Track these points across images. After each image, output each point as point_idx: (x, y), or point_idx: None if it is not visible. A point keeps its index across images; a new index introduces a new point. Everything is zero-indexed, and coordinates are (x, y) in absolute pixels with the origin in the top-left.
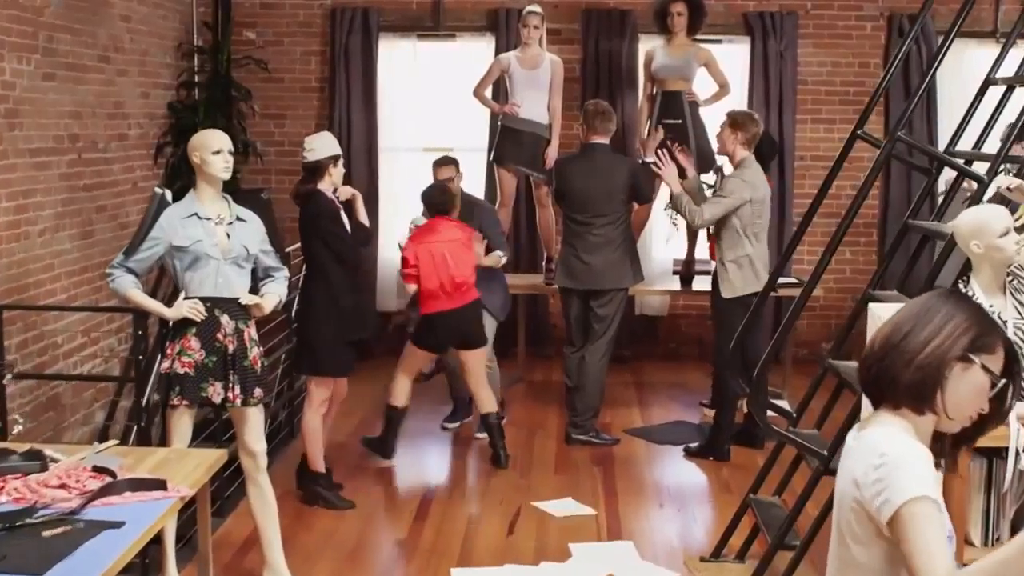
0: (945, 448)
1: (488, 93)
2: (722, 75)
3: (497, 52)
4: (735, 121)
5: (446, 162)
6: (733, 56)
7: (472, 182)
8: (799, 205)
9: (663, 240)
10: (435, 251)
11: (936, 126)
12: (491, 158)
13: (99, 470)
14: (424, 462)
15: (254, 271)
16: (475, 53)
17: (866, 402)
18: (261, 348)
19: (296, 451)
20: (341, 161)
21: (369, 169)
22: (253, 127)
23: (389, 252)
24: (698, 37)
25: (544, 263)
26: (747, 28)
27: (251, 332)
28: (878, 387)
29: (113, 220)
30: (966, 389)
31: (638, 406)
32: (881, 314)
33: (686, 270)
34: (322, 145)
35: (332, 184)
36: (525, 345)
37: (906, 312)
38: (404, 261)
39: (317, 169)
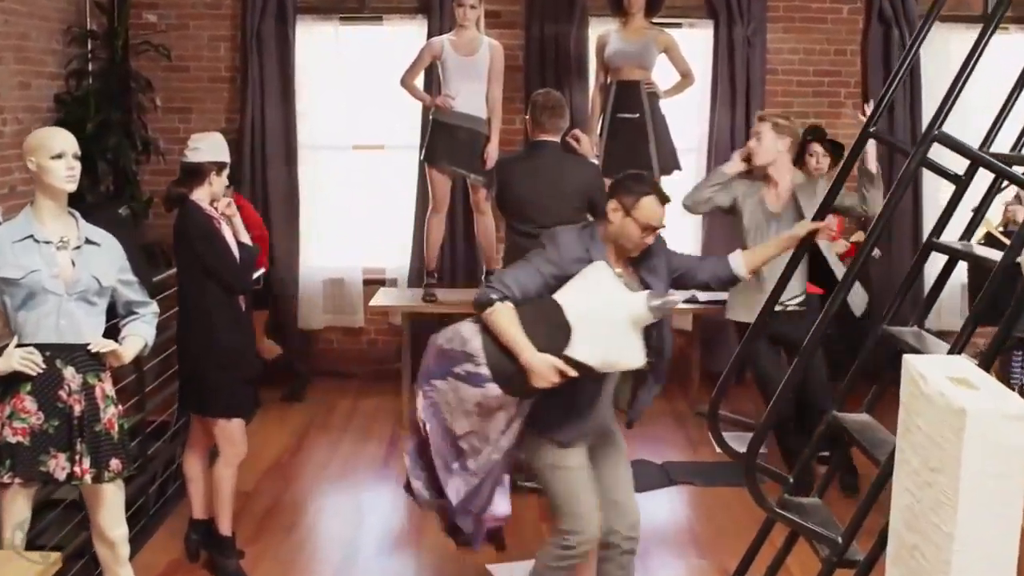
0: None
1: (419, 83)
2: (685, 63)
3: (430, 36)
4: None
5: None
6: (694, 42)
7: (403, 184)
8: None
9: None
10: None
11: (920, 118)
12: (422, 157)
13: None
14: (348, 516)
15: (112, 308)
16: (405, 38)
17: None
18: (119, 407)
19: (170, 531)
20: (226, 171)
21: (287, 169)
22: (155, 122)
23: (314, 262)
24: (656, 20)
25: (483, 277)
26: (710, 10)
27: (105, 387)
28: None
29: None
30: None
31: None
32: (923, 370)
33: None
34: (208, 146)
35: (211, 195)
36: None
37: None
38: None
39: (196, 173)
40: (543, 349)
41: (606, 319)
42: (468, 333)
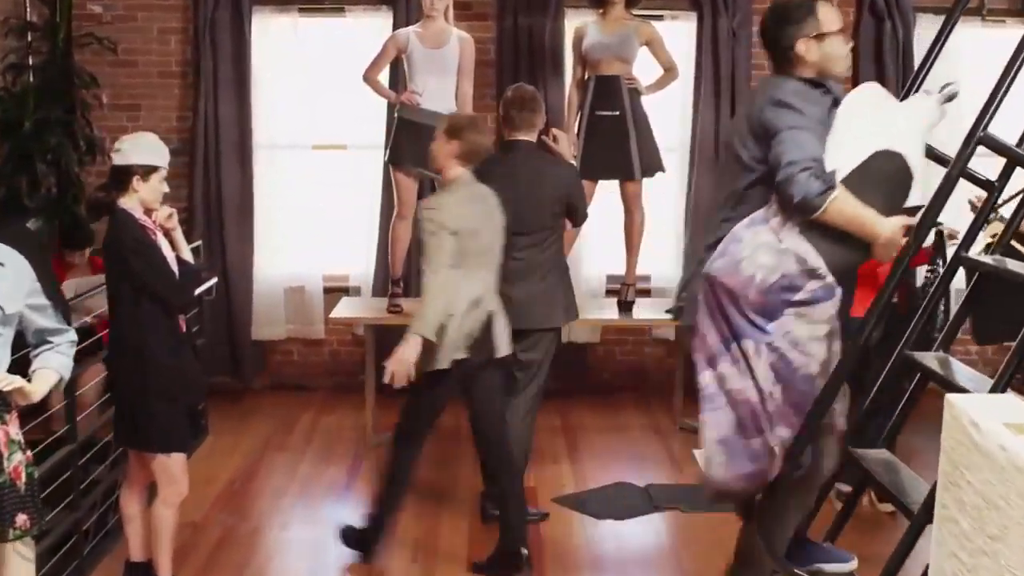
0: None
1: (383, 78)
2: (668, 56)
3: (395, 28)
4: (452, 128)
5: None
6: (677, 35)
7: (366, 186)
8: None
9: (596, 251)
10: None
11: None
12: (386, 158)
13: None
14: (307, 549)
15: (20, 338)
16: (369, 30)
17: None
18: (28, 452)
19: (107, 574)
20: (161, 177)
21: (242, 170)
22: (101, 120)
23: (271, 269)
24: (637, 11)
25: None
26: (694, 1)
27: (10, 430)
28: None
29: None
30: None
31: (568, 461)
32: (975, 416)
33: (626, 292)
34: (135, 148)
35: (143, 202)
36: None
37: None
38: None
39: (119, 178)
40: (887, 212)
41: (913, 142)
42: (799, 250)
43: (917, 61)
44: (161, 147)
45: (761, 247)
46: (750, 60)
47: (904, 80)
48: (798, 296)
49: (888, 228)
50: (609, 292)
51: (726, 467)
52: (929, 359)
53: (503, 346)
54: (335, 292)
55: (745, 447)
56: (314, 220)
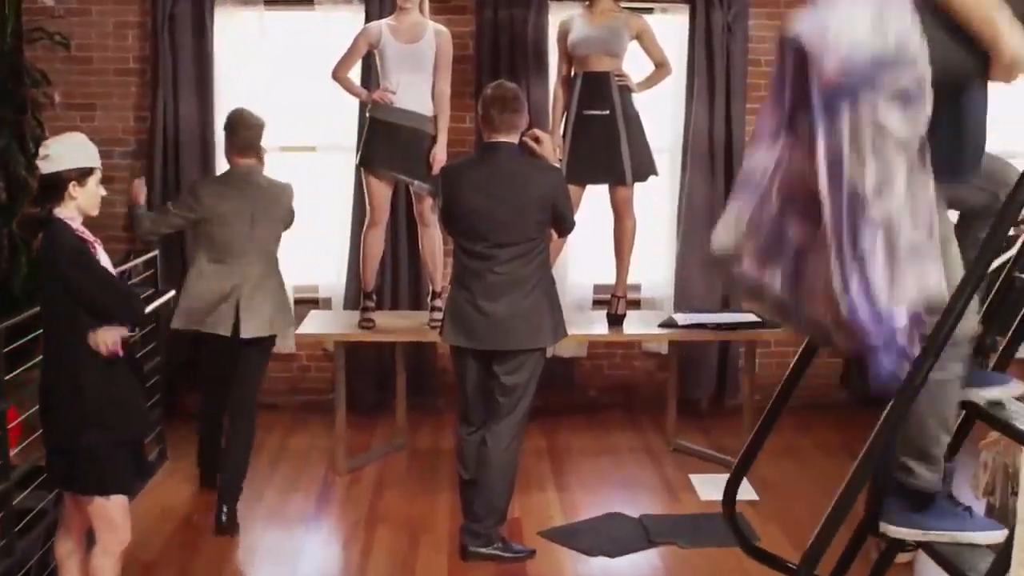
0: None
1: (355, 76)
2: (660, 51)
3: (367, 22)
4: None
5: None
6: (668, 28)
7: (337, 190)
8: None
9: (583, 259)
10: None
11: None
12: (357, 161)
13: None
14: None
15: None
16: (340, 25)
17: None
18: None
19: None
20: (97, 179)
21: (203, 173)
22: (53, 121)
23: None
24: (627, 3)
25: (429, 299)
26: None
27: None
28: None
29: None
30: None
31: (555, 488)
32: None
33: (616, 304)
34: (65, 151)
35: (78, 209)
36: (407, 397)
37: None
38: None
39: (52, 186)
40: None
41: None
42: (901, 28)
43: None
44: (91, 146)
45: (857, 16)
46: (746, 55)
47: None
48: (886, 83)
49: (1018, 46)
50: (597, 303)
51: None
52: (975, 394)
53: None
54: (305, 304)
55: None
56: None
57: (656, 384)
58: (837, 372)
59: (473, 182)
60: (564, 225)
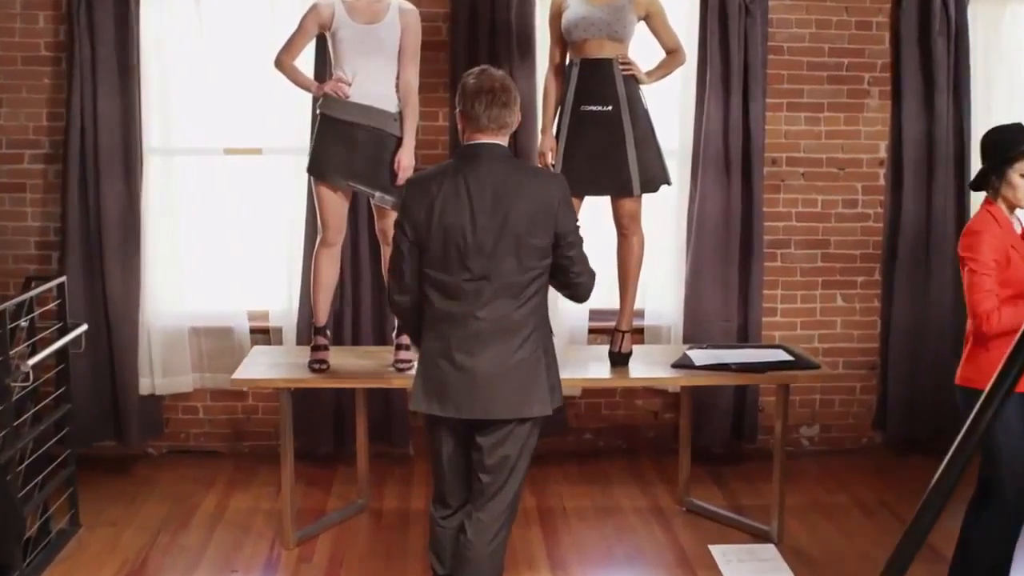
0: None
1: (304, 64)
2: (673, 34)
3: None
4: None
5: None
6: (676, 10)
7: (288, 199)
8: (771, 230)
9: None
10: None
11: (967, 108)
12: (307, 168)
13: None
14: None
15: None
16: (290, 6)
17: None
18: None
19: None
20: None
21: (127, 181)
22: None
23: (166, 305)
24: None
25: (395, 334)
26: None
27: None
28: None
29: None
30: None
31: (548, 567)
32: None
33: (620, 341)
34: None
35: None
36: (367, 443)
37: None
38: None
39: None
40: None
41: None
42: None
43: (971, 44)
44: None
45: None
46: (766, 42)
47: (958, 67)
48: None
49: None
50: (593, 333)
51: None
52: None
53: None
54: (255, 334)
55: None
56: (223, 242)
57: (662, 426)
58: (870, 412)
59: (448, 196)
60: (569, 249)
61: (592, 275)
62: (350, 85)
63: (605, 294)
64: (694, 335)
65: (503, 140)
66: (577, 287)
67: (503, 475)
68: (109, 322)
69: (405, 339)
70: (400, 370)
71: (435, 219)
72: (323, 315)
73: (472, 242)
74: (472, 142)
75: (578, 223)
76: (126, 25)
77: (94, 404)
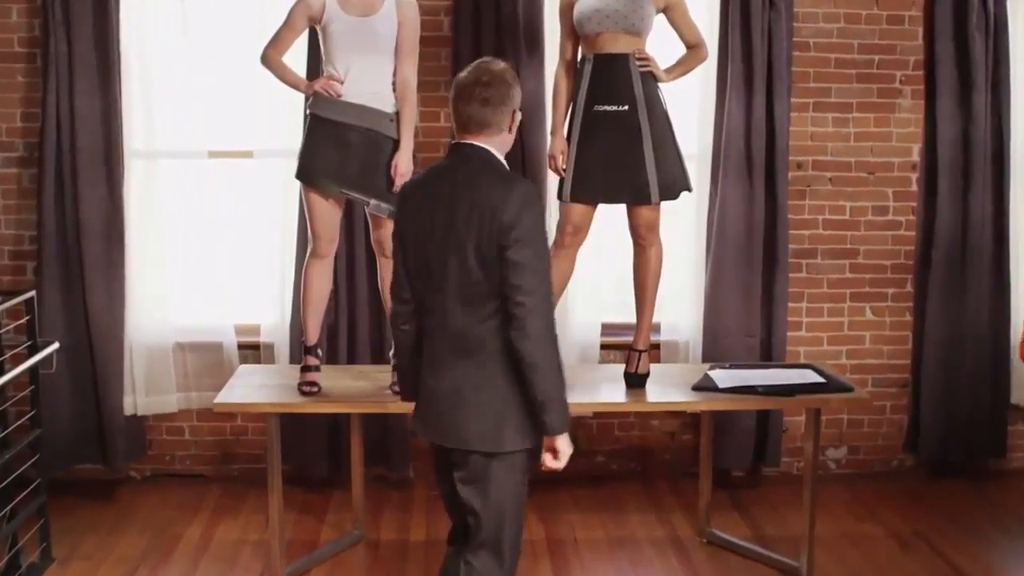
0: None
1: (294, 60)
2: (694, 27)
3: None
4: None
5: None
6: (696, 3)
7: (280, 205)
8: (796, 239)
9: (589, 291)
10: None
11: (1007, 104)
12: (296, 173)
13: None
14: None
15: None
16: (276, 2)
17: None
18: None
19: None
20: None
21: (108, 187)
22: None
23: (150, 320)
24: None
25: (392, 354)
26: None
27: None
28: None
29: None
30: None
31: None
32: None
33: (636, 361)
34: None
35: None
36: (362, 467)
37: None
38: None
39: None
40: None
41: None
42: None
43: (1011, 37)
44: None
45: None
46: (791, 37)
47: (997, 61)
48: None
49: None
50: (606, 348)
51: None
52: None
53: None
54: (244, 350)
55: None
56: (211, 251)
57: (680, 448)
58: (901, 432)
59: (424, 200)
60: (512, 276)
61: (542, 314)
62: (342, 83)
63: (614, 304)
64: (714, 351)
65: (486, 141)
66: (514, 318)
67: (487, 522)
68: (90, 337)
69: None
70: (398, 392)
71: (411, 225)
72: (314, 333)
73: (430, 248)
74: (456, 142)
75: (538, 239)
76: (105, 18)
77: (74, 424)
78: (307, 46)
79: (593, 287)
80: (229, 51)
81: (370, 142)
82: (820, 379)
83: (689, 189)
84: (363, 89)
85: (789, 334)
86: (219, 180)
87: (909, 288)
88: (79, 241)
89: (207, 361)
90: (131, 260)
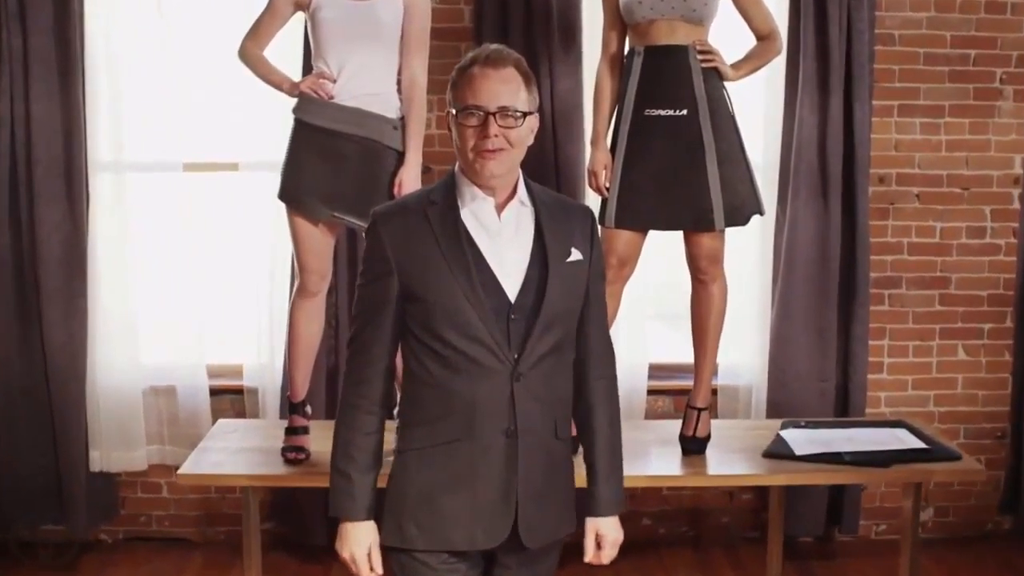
0: None
1: (275, 55)
2: (767, 15)
3: None
4: None
5: None
6: None
7: (268, 226)
8: (877, 266)
9: (637, 318)
10: None
11: None
12: (278, 193)
13: None
14: None
15: None
16: None
17: None
18: None
19: None
20: None
21: (69, 202)
22: None
23: (117, 361)
24: None
25: (396, 412)
26: None
27: None
28: None
29: None
30: None
31: None
32: None
33: (695, 421)
34: None
35: None
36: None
37: None
38: None
39: None
40: None
41: None
42: None
43: None
44: None
45: None
46: (873, 29)
47: None
48: None
49: None
50: (653, 394)
51: None
52: None
53: None
54: (222, 395)
55: None
56: (188, 280)
57: (738, 510)
58: (997, 492)
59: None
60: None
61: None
62: (335, 82)
63: (666, 344)
64: (781, 399)
65: None
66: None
67: None
68: (48, 380)
69: None
70: None
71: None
72: (301, 388)
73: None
74: None
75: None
76: (67, 11)
77: (31, 481)
78: (302, 40)
79: (639, 319)
80: (211, 47)
81: (369, 154)
82: (919, 443)
83: (761, 212)
84: (360, 89)
85: (869, 377)
86: (198, 197)
87: (1009, 323)
88: (36, 267)
89: (183, 408)
90: (95, 290)
